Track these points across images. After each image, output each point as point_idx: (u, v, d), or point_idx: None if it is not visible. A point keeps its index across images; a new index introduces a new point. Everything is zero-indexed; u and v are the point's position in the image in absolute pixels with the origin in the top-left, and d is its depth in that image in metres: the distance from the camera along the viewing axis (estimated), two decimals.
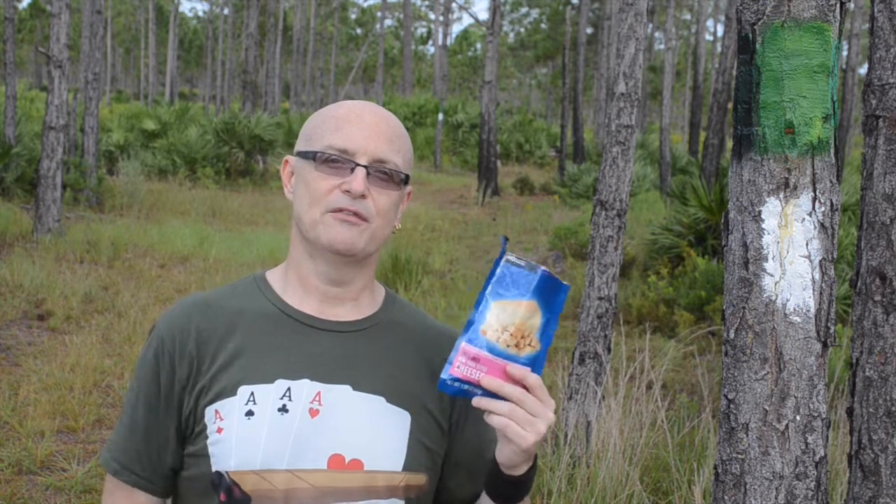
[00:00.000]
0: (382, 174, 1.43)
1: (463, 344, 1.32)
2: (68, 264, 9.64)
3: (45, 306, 7.86)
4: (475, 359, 1.31)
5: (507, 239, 1.35)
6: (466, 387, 1.32)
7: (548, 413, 1.32)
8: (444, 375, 1.32)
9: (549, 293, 1.34)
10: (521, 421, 1.30)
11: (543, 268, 1.34)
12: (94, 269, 9.68)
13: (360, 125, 1.44)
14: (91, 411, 5.49)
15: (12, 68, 14.42)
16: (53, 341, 6.94)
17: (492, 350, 1.32)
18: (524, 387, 1.31)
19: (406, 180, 1.48)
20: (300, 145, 1.49)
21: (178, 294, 8.79)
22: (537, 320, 1.33)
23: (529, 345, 1.33)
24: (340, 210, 1.41)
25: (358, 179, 1.40)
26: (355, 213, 1.42)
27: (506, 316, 1.32)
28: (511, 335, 1.32)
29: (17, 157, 14.06)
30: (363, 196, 1.41)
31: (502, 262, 1.33)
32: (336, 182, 1.42)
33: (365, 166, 1.42)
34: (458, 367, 1.31)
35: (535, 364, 1.33)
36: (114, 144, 20.54)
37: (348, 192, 1.41)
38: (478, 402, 1.32)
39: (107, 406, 5.67)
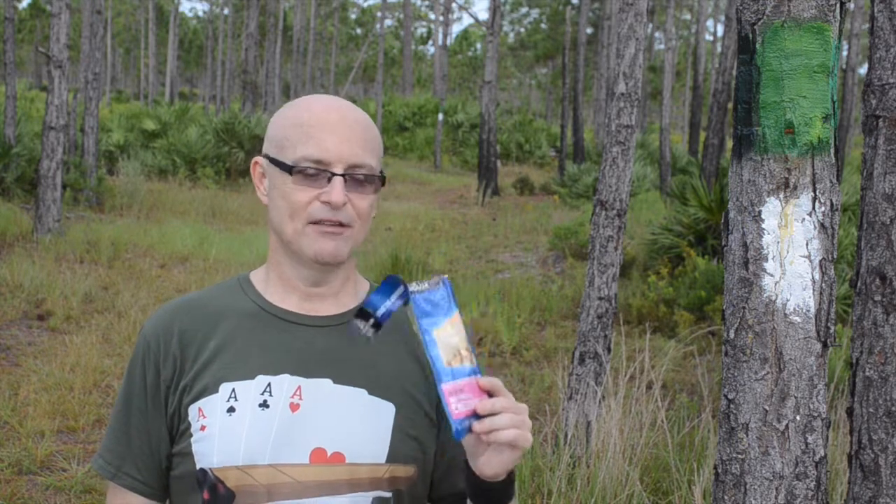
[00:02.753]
0: (359, 179, 1.43)
1: (443, 387, 1.30)
2: (68, 264, 9.64)
3: (45, 306, 7.86)
4: (459, 391, 1.30)
5: (396, 278, 1.36)
6: (468, 421, 1.31)
7: (520, 406, 1.32)
8: (454, 426, 1.29)
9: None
10: (521, 425, 1.30)
11: (443, 276, 1.34)
12: (94, 269, 9.68)
13: (332, 132, 1.42)
14: (91, 411, 5.50)
15: (12, 68, 14.42)
16: (53, 341, 6.94)
17: (461, 374, 1.31)
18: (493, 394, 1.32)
19: (382, 180, 1.47)
20: (271, 150, 1.46)
21: (178, 294, 8.79)
22: (462, 326, 1.34)
23: (470, 352, 1.34)
24: (321, 222, 1.41)
25: (337, 190, 1.40)
26: (338, 223, 1.42)
27: (451, 337, 1.32)
28: (466, 349, 1.32)
29: (17, 157, 14.06)
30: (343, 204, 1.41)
31: (412, 298, 1.33)
32: (314, 193, 1.41)
33: (342, 175, 1.41)
34: (456, 408, 1.29)
35: (480, 368, 1.34)
36: (114, 144, 20.54)
37: (328, 202, 1.40)
38: (480, 427, 1.29)
39: (107, 406, 5.67)
